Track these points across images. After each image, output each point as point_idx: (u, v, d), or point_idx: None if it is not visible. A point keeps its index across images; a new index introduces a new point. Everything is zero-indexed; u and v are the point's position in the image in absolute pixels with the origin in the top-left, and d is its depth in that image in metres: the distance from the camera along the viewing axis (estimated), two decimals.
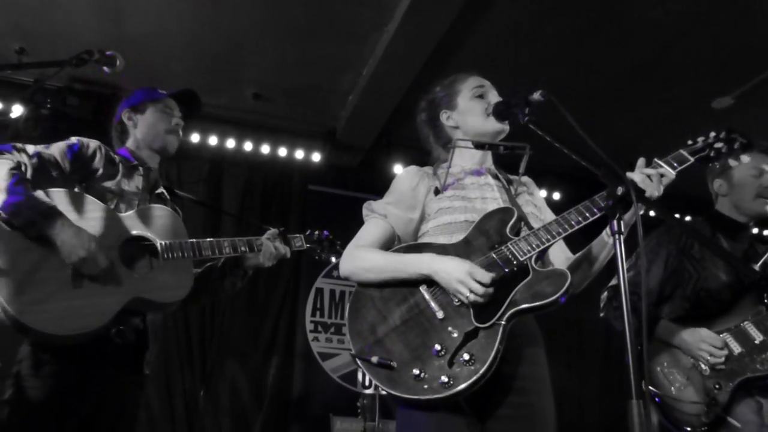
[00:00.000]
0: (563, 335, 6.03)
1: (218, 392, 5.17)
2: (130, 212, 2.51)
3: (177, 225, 2.59)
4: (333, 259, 3.11)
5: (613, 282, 2.90)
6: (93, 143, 2.62)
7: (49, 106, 5.09)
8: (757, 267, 2.75)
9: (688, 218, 6.54)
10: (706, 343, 2.64)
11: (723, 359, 2.61)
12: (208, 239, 2.61)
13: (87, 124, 5.14)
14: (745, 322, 2.68)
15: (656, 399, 2.68)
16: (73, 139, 2.60)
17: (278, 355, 5.41)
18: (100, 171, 2.55)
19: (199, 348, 5.21)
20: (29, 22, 4.41)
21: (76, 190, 2.46)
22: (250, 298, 5.47)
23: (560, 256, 2.21)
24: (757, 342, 2.64)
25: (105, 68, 2.40)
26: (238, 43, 4.65)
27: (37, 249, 2.24)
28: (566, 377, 5.91)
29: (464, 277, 1.87)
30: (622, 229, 1.65)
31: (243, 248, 2.69)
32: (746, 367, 2.61)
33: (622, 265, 1.58)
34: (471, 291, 1.86)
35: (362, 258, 2.09)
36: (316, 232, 3.04)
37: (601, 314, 2.94)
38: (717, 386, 2.61)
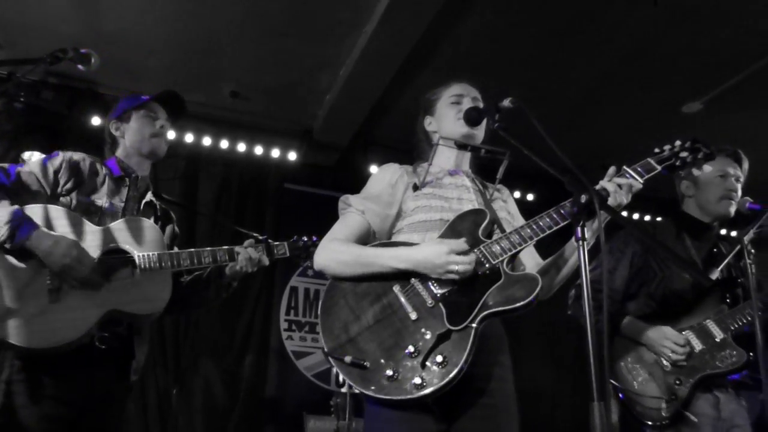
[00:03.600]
0: (537, 335, 6.11)
1: (192, 390, 5.16)
2: (109, 225, 2.52)
3: (156, 236, 2.59)
4: None
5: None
6: (77, 156, 2.63)
7: (22, 99, 5.03)
8: (719, 269, 2.83)
9: (659, 219, 6.68)
10: (669, 340, 2.74)
11: (684, 356, 2.71)
12: (187, 250, 2.62)
13: (61, 118, 5.10)
14: (707, 321, 2.78)
15: (619, 394, 2.76)
16: (55, 153, 2.61)
17: (252, 353, 5.41)
18: (83, 184, 2.57)
19: (173, 346, 5.19)
20: (4, 14, 4.35)
21: (58, 205, 2.47)
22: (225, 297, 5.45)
23: (530, 261, 2.26)
24: (717, 340, 2.74)
25: (80, 66, 2.40)
26: (216, 40, 4.63)
27: (14, 265, 2.31)
28: (540, 376, 6.00)
29: (446, 257, 1.92)
30: (587, 236, 1.70)
31: (223, 258, 2.68)
32: (706, 364, 2.70)
33: (585, 271, 1.63)
34: (458, 264, 1.91)
35: (338, 251, 2.11)
36: (304, 239, 2.99)
37: (569, 312, 3.01)
38: (677, 382, 2.70)
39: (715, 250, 2.96)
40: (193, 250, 2.63)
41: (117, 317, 2.43)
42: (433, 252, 1.95)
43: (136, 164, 2.78)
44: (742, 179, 2.97)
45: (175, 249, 2.73)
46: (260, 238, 2.84)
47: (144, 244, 2.53)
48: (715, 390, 2.72)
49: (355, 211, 2.20)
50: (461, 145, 2.30)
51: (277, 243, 2.90)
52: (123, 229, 2.53)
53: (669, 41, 4.42)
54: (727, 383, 2.74)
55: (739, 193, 2.93)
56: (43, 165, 2.53)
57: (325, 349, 1.96)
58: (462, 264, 1.91)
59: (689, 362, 2.72)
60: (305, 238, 2.99)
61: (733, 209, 2.91)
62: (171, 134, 5.33)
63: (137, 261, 2.48)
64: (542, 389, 6.00)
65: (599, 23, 4.28)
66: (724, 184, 2.92)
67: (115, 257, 2.48)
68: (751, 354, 2.67)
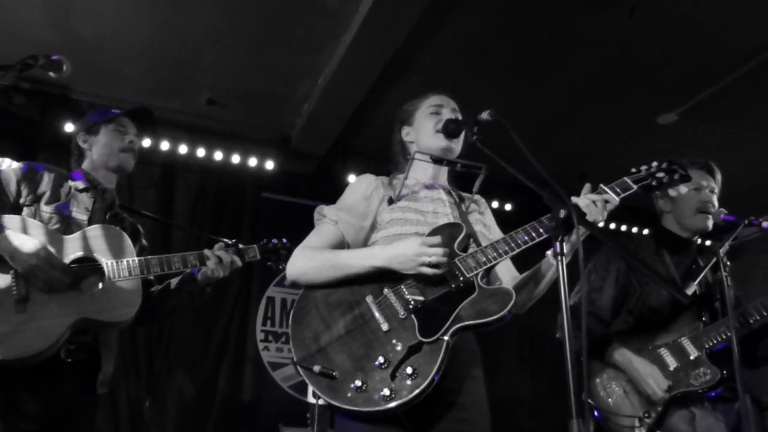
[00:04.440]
0: (516, 345, 6.11)
1: (165, 401, 5.06)
2: (76, 234, 2.50)
3: (125, 244, 2.57)
4: None
5: (572, 302, 2.94)
6: (42, 167, 2.63)
7: None
8: (696, 283, 2.83)
9: (635, 229, 6.73)
10: (654, 380, 2.69)
11: (661, 401, 2.67)
12: (157, 256, 2.59)
13: (34, 124, 5.02)
14: (683, 338, 2.77)
15: (594, 411, 2.75)
16: (21, 163, 2.61)
17: (228, 364, 5.33)
18: (48, 194, 2.56)
19: (146, 355, 5.09)
20: None
21: (24, 214, 2.47)
22: (200, 306, 5.33)
23: (506, 274, 2.25)
24: (692, 357, 2.73)
25: (51, 73, 2.36)
26: (193, 47, 4.59)
27: None
28: (519, 385, 6.01)
29: (419, 249, 1.92)
30: (565, 251, 1.69)
31: (194, 263, 2.66)
32: (680, 382, 2.70)
33: (564, 286, 1.62)
34: (431, 255, 1.90)
35: (310, 257, 2.10)
36: (273, 241, 2.96)
37: (557, 335, 2.99)
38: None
39: (694, 266, 2.95)
40: (162, 256, 2.60)
41: (86, 326, 2.40)
42: (406, 245, 1.96)
43: (103, 177, 2.75)
44: (716, 190, 2.97)
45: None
46: (230, 242, 2.80)
47: (114, 252, 2.51)
48: (691, 406, 2.71)
49: (329, 222, 2.19)
50: (437, 160, 2.29)
51: (247, 246, 2.86)
52: (91, 237, 2.51)
53: (644, 53, 4.46)
54: (703, 398, 2.73)
55: (716, 204, 2.93)
56: (7, 175, 2.54)
57: (294, 359, 1.94)
58: (435, 255, 1.90)
59: None
60: (275, 240, 2.96)
61: (710, 223, 2.91)
62: (146, 142, 5.32)
63: (106, 269, 2.46)
64: (520, 397, 5.99)
65: (576, 35, 4.31)
66: (699, 197, 2.91)
67: (83, 265, 2.45)
68: (725, 372, 2.66)
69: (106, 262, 2.47)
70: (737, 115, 5.14)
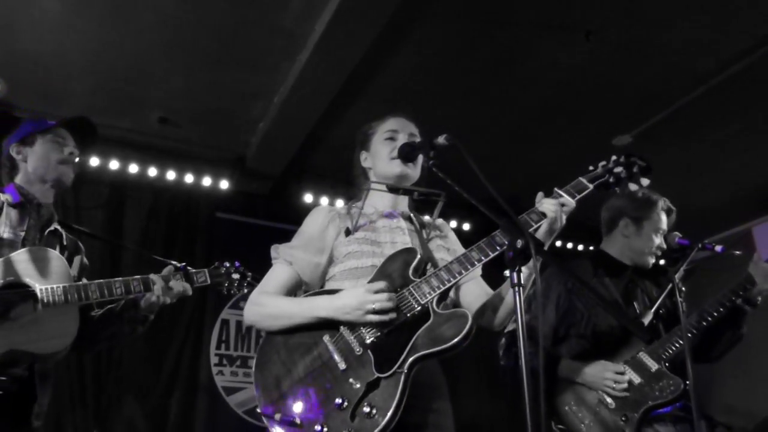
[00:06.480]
0: (476, 367, 6.07)
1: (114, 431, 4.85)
2: (8, 256, 2.30)
3: (61, 268, 2.39)
4: (245, 291, 2.76)
5: (510, 328, 2.94)
6: None
7: None
8: (652, 311, 2.85)
9: (581, 247, 6.78)
10: (609, 371, 2.73)
11: (627, 385, 2.70)
12: (96, 281, 2.40)
13: None
14: (640, 353, 2.79)
15: None
16: None
17: (180, 390, 5.15)
18: None
19: (94, 383, 4.88)
20: None
21: None
22: (151, 330, 5.03)
23: (476, 290, 2.20)
24: (653, 371, 2.74)
25: None
26: (143, 64, 4.46)
27: None
28: (479, 407, 5.96)
29: (363, 297, 1.86)
30: (522, 281, 1.64)
31: (138, 288, 2.46)
32: (647, 396, 2.69)
33: (521, 317, 1.58)
34: (376, 303, 1.84)
35: (263, 304, 2.06)
36: (226, 264, 2.77)
37: (502, 362, 2.99)
38: (624, 418, 2.68)
39: (630, 286, 3.00)
40: (102, 281, 2.41)
41: (17, 358, 2.22)
42: (350, 295, 1.90)
43: (39, 192, 2.55)
44: None
45: (84, 281, 2.50)
46: (178, 265, 2.62)
47: (47, 277, 2.32)
48: (655, 424, 2.70)
49: (283, 262, 2.14)
50: (393, 189, 2.24)
51: (197, 270, 2.67)
52: (24, 261, 2.31)
53: (600, 76, 4.52)
54: (666, 417, 2.73)
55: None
56: None
57: (259, 410, 1.87)
58: (379, 301, 1.84)
59: (631, 396, 2.70)
60: (227, 264, 2.77)
61: (653, 262, 3.03)
62: (94, 161, 5.15)
63: (39, 295, 2.27)
64: (480, 421, 5.94)
65: (532, 58, 4.34)
66: (658, 242, 2.99)
67: (14, 291, 2.26)
68: (687, 382, 2.67)
69: (40, 288, 2.28)
70: (690, 138, 5.26)
